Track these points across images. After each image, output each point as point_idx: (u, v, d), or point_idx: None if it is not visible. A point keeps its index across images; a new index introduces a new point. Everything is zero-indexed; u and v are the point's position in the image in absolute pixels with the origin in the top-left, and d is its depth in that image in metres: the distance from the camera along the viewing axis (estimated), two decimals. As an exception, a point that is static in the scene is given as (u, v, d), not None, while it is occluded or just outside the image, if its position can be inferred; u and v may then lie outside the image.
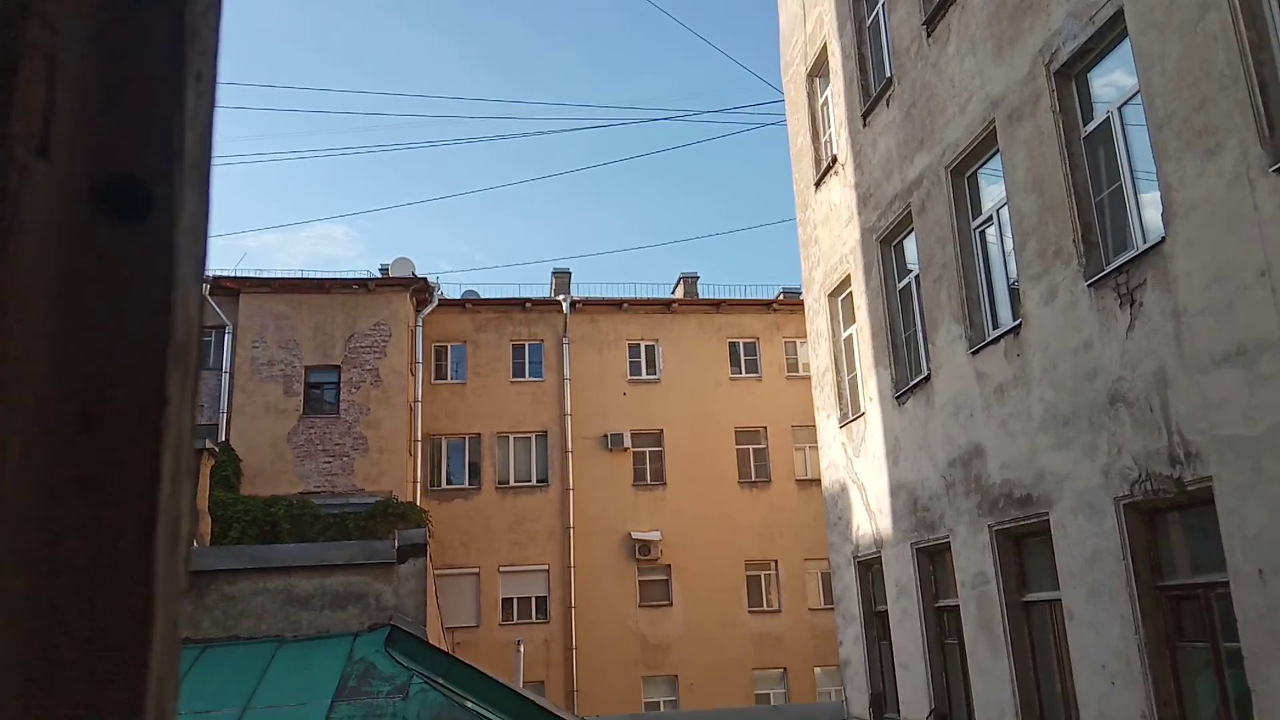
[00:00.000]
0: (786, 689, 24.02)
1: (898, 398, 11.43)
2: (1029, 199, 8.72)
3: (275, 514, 19.46)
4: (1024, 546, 9.22)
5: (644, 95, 72.38)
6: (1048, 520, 8.46)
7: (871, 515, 12.22)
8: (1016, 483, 8.96)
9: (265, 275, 23.45)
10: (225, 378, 22.28)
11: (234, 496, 20.04)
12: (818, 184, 14.23)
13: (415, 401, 24.03)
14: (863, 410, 12.57)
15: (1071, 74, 8.31)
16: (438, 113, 65.90)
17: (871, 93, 12.23)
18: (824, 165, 14.01)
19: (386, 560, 10.41)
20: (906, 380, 11.35)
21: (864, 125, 12.35)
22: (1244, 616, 6.34)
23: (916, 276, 11.17)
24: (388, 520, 20.08)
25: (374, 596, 10.20)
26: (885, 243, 11.95)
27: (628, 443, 25.16)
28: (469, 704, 8.73)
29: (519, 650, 21.47)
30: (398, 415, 22.90)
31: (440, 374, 25.58)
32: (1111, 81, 8.05)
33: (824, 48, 13.96)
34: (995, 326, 9.61)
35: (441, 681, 9.17)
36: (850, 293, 13.14)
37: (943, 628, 10.72)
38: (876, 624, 12.44)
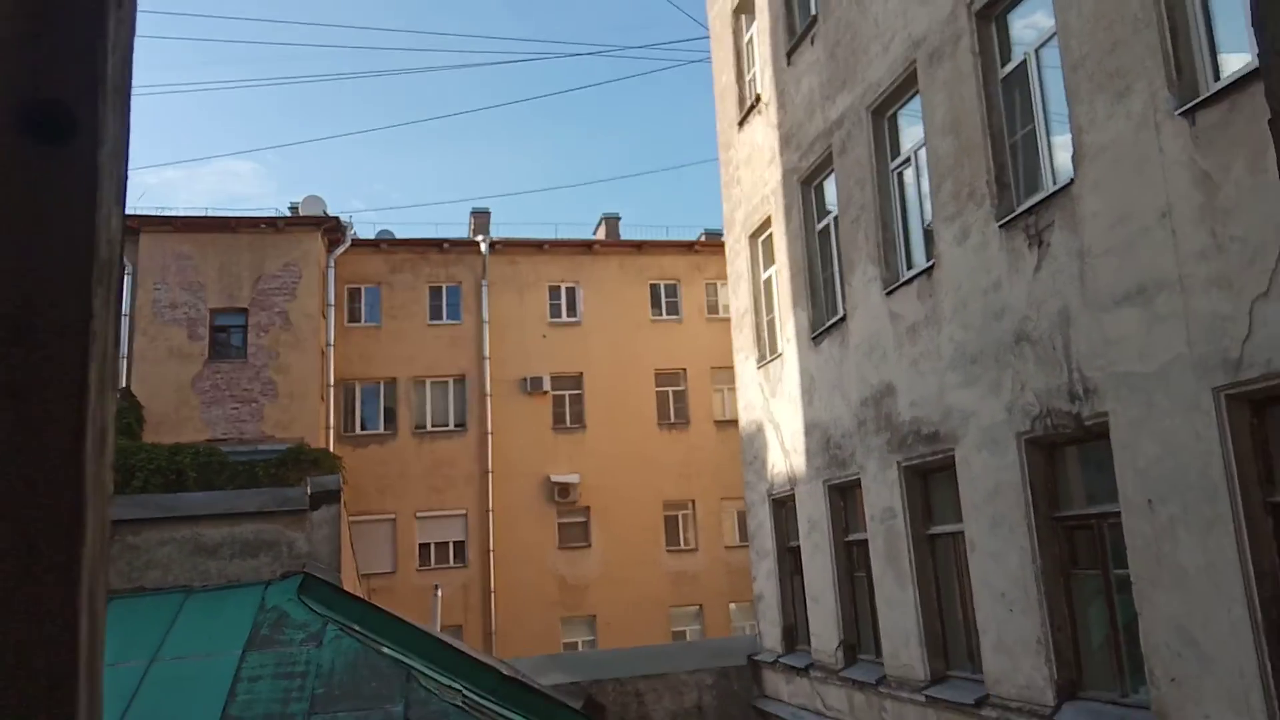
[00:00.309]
0: (702, 625, 24.57)
1: (814, 338, 11.58)
2: (946, 140, 8.82)
3: (181, 462, 18.85)
4: (930, 481, 9.49)
5: (567, 30, 71.12)
6: (953, 456, 8.71)
7: (786, 454, 12.44)
8: (925, 420, 9.18)
9: (167, 214, 22.42)
10: (125, 321, 21.38)
11: (136, 445, 19.34)
12: (741, 123, 14.19)
13: (328, 345, 23.46)
14: (780, 351, 12.71)
15: (992, 15, 8.37)
16: (353, 44, 63.67)
17: (796, 31, 12.18)
18: (748, 104, 13.97)
19: (299, 508, 10.21)
20: (823, 321, 11.49)
21: (788, 64, 12.31)
22: (1133, 545, 6.64)
23: (835, 218, 11.26)
24: (300, 467, 19.67)
25: (286, 544, 10.01)
26: (806, 184, 12.00)
27: (547, 386, 25.08)
28: (385, 649, 8.68)
29: (436, 595, 21.44)
30: (309, 359, 22.33)
31: (354, 317, 25.00)
32: (1031, 23, 8.14)
33: (749, -16, 13.84)
34: (910, 267, 9.76)
35: (357, 628, 9.08)
36: (771, 234, 13.21)
37: (852, 561, 11.02)
38: (789, 559, 12.74)
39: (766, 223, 13.26)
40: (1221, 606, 5.88)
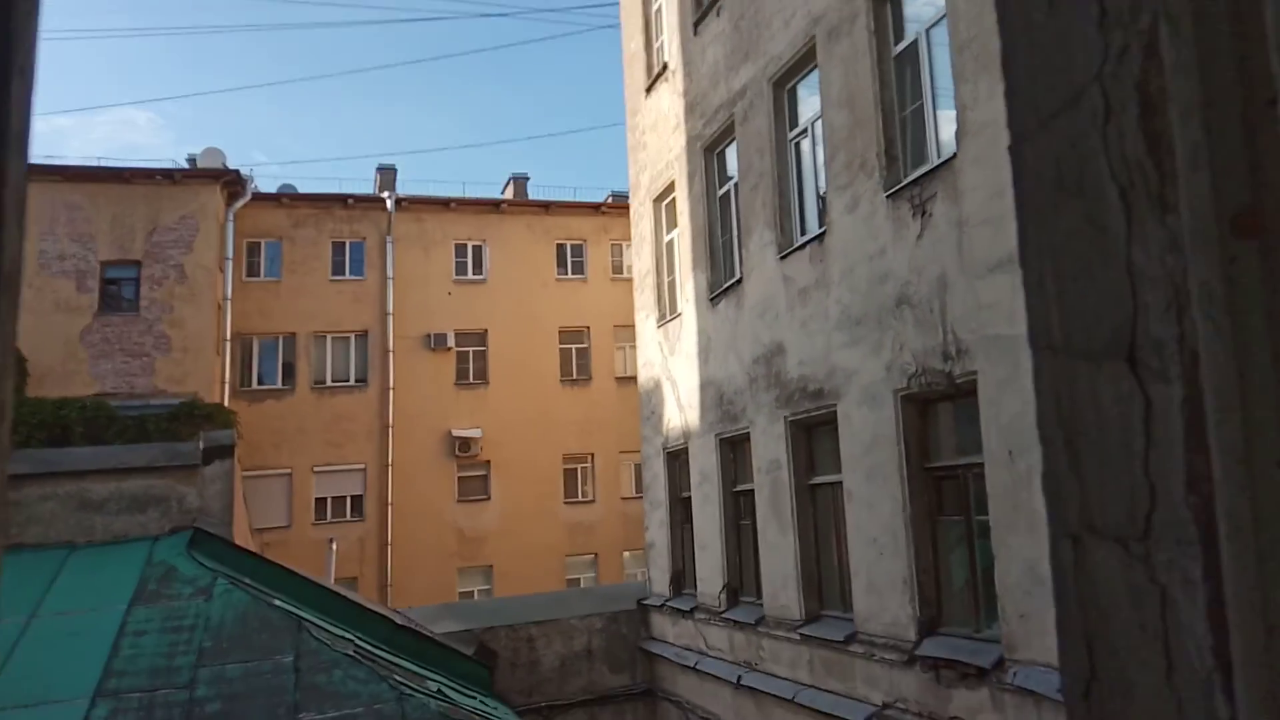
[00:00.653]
0: (596, 573, 25.18)
1: (712, 299, 12.03)
2: (841, 113, 9.28)
3: (66, 416, 18.28)
4: (814, 435, 10.05)
5: (480, -7, 69.68)
6: (835, 411, 9.26)
7: (682, 409, 12.91)
8: (811, 377, 9.72)
9: (57, 163, 21.50)
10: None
11: (19, 399, 18.69)
12: (648, 90, 14.48)
13: (225, 300, 22.97)
14: (679, 311, 13.14)
15: (888, -5, 8.81)
16: (255, -9, 61.22)
17: (703, 2, 12.51)
18: (655, 72, 14.26)
19: (190, 463, 10.10)
20: (721, 283, 11.95)
21: (695, 34, 12.64)
22: (994, 493, 7.14)
23: (736, 184, 11.69)
24: (193, 422, 19.25)
25: (176, 500, 9.90)
26: (709, 151, 12.40)
27: (451, 342, 25.11)
28: (277, 602, 8.74)
29: (331, 548, 21.39)
30: (204, 314, 21.86)
31: (253, 271, 24.52)
32: (925, 2, 8.58)
33: (660, -47, 14.08)
34: (803, 234, 10.25)
35: (248, 581, 9.10)
36: (674, 198, 13.58)
37: (739, 510, 11.58)
38: (680, 509, 13.26)
39: (670, 187, 13.63)
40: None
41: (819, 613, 9.75)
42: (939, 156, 8.03)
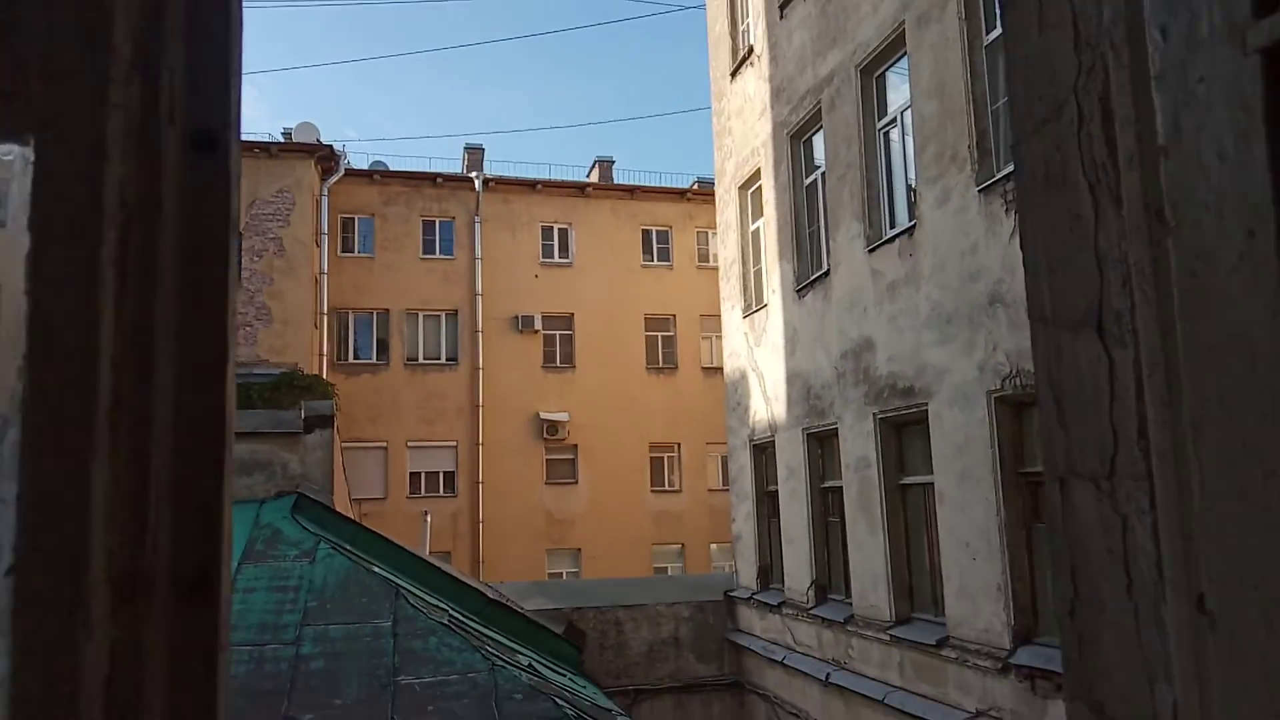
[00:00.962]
0: (683, 563, 25.20)
1: (798, 291, 11.84)
2: (931, 103, 8.98)
3: (177, 382, 19.11)
4: (904, 434, 9.85)
5: (566, -36, 69.57)
6: (926, 410, 9.05)
7: (768, 401, 12.79)
8: (901, 375, 9.51)
9: (160, 135, 22.33)
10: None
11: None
12: (734, 74, 14.24)
13: (321, 274, 23.58)
14: (765, 302, 12.98)
15: (979, -19, 8.47)
16: (347, -31, 62.08)
17: (789, -15, 12.20)
18: (740, 55, 14.00)
19: (293, 430, 10.49)
20: (808, 274, 11.74)
21: (781, 17, 12.35)
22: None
23: (823, 173, 11.44)
24: (293, 392, 19.87)
25: (280, 465, 10.30)
26: (795, 138, 12.14)
27: (538, 325, 25.33)
28: (375, 569, 9.04)
29: (426, 521, 21.93)
30: (303, 287, 22.46)
31: (347, 247, 25.07)
32: (1017, -9, 8.23)
33: (746, -67, 13.77)
34: (892, 226, 9.99)
35: (348, 547, 9.43)
36: (760, 186, 13.37)
37: (827, 507, 11.45)
38: (767, 503, 13.18)
39: (756, 175, 13.42)
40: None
41: (910, 615, 9.61)
42: (1035, 151, 7.69)
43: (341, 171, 24.02)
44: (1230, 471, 0.80)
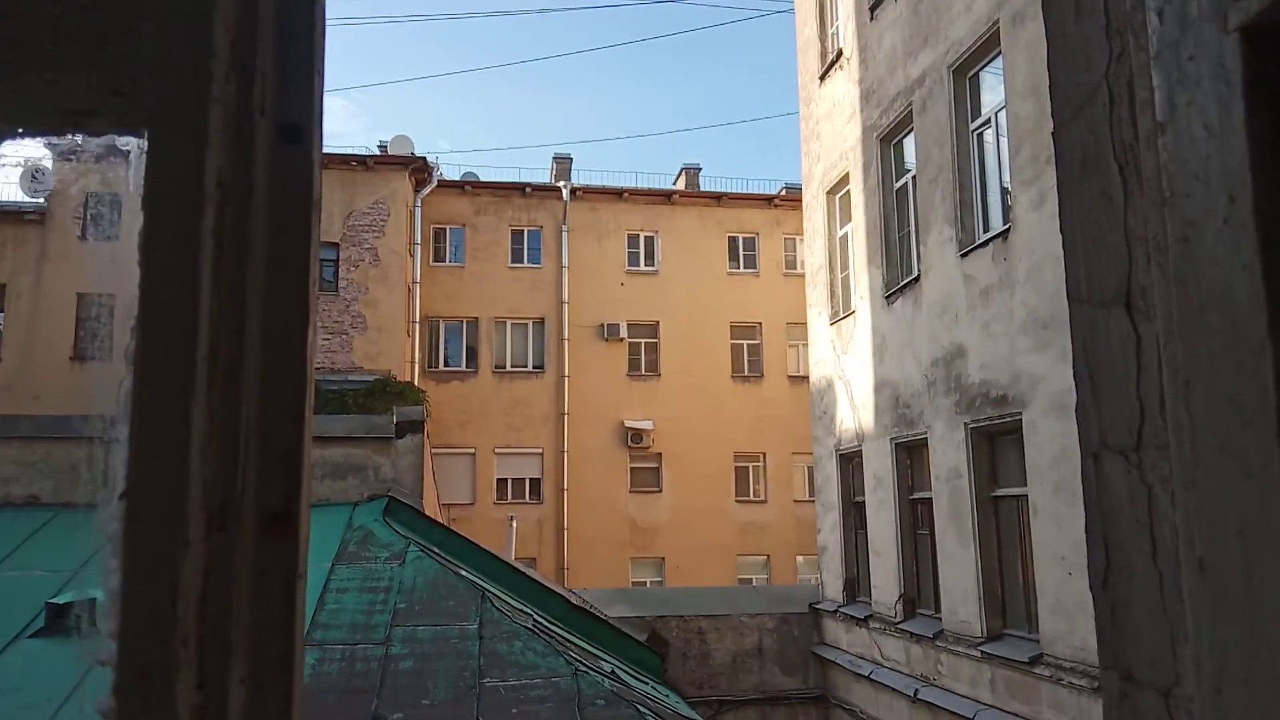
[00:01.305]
0: (769, 574, 24.93)
1: (887, 297, 11.61)
2: (1026, 103, 8.71)
3: (276, 389, 19.77)
4: (996, 444, 9.55)
5: (654, -25, 69.90)
6: (1020, 420, 8.76)
7: (855, 410, 12.56)
8: (994, 383, 9.23)
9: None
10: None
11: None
12: (822, 78, 14.08)
13: (414, 283, 24.14)
14: (853, 309, 12.77)
15: (1078, -24, 8.20)
16: (441, -14, 63.76)
17: (880, -14, 12.02)
18: (829, 59, 13.84)
19: (385, 435, 10.77)
20: (897, 280, 11.51)
21: (871, 19, 12.16)
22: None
23: (913, 176, 11.21)
24: (386, 398, 20.34)
25: (372, 469, 10.59)
26: (885, 141, 11.93)
27: (624, 333, 25.43)
28: (463, 572, 9.19)
29: (512, 526, 22.17)
30: (396, 295, 23.04)
31: (439, 256, 25.61)
32: (1117, -15, 7.95)
33: (836, -64, 13.62)
34: (985, 230, 9.72)
35: (437, 550, 9.62)
36: (848, 191, 13.17)
37: (916, 519, 11.17)
38: (854, 513, 12.94)
39: (844, 179, 13.22)
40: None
41: (1001, 630, 9.30)
42: (1137, 150, 7.40)
43: (434, 183, 24.57)
44: (1215, 424, 0.85)
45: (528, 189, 26.03)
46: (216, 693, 0.73)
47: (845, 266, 13.45)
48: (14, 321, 21.34)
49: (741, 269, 26.52)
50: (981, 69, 9.93)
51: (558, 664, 7.46)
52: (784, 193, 26.77)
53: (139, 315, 0.75)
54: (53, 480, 8.89)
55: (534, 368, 25.46)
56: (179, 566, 0.72)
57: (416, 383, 23.29)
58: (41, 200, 22.12)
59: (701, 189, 28.02)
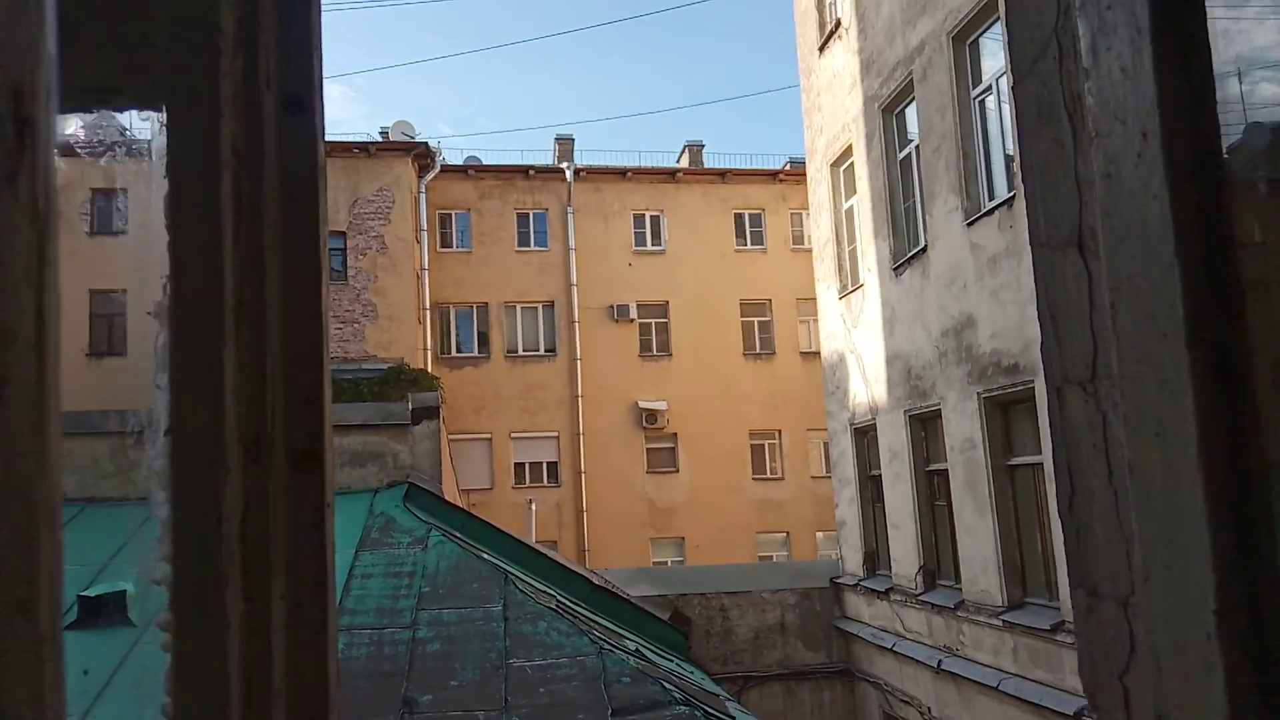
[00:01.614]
0: (789, 552, 24.91)
1: (895, 269, 11.56)
2: (1029, 68, 8.61)
3: (290, 379, 19.83)
4: (1010, 413, 9.52)
5: (650, -51, 69.20)
6: (1033, 388, 8.71)
7: (868, 384, 12.54)
8: (1005, 352, 9.19)
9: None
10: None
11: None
12: (822, 49, 13.95)
13: (422, 269, 24.10)
14: (861, 282, 12.71)
15: (1077, -63, 8.09)
16: (436, -30, 63.24)
17: (876, -47, 11.87)
18: (828, 29, 13.70)
19: (401, 422, 10.84)
20: (904, 251, 11.45)
21: (868, -13, 12.03)
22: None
23: (916, 146, 11.12)
24: (400, 386, 20.36)
25: (391, 456, 10.66)
26: (887, 111, 11.83)
27: (634, 314, 25.38)
28: (484, 555, 9.26)
29: (531, 510, 22.27)
30: (405, 283, 22.99)
31: (445, 242, 25.55)
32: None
33: (830, -97, 13.45)
34: (991, 198, 9.64)
35: (459, 535, 9.69)
36: (852, 163, 13.08)
37: (932, 490, 11.17)
38: (870, 487, 12.94)
39: (848, 151, 13.13)
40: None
41: (1022, 599, 9.31)
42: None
43: (437, 168, 24.45)
44: (1137, 340, 0.95)
45: (531, 171, 25.93)
46: (261, 605, 0.82)
47: (852, 239, 13.39)
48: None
49: (749, 245, 26.38)
50: (981, 35, 9.81)
51: (582, 643, 7.51)
52: (789, 167, 26.53)
53: (170, 273, 0.82)
54: (76, 476, 8.97)
55: (546, 351, 25.47)
56: (221, 492, 0.80)
57: (430, 369, 23.32)
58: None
59: (706, 166, 27.84)
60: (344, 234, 22.62)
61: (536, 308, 25.60)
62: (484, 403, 24.74)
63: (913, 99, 11.04)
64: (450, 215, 25.56)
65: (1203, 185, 0.91)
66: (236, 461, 0.81)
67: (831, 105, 13.59)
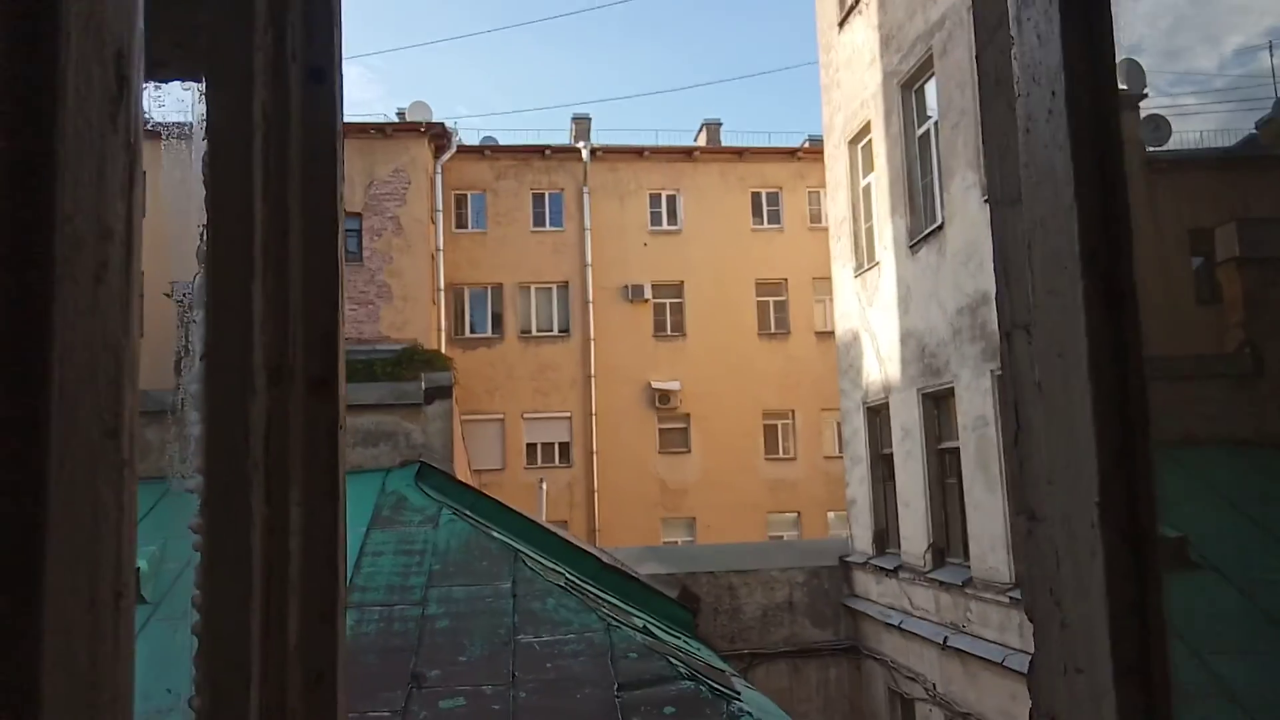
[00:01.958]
0: (800, 531, 24.86)
1: (911, 247, 11.48)
2: (1050, 41, 8.52)
3: (306, 359, 19.90)
4: (1025, 391, 9.46)
5: (670, -70, 68.82)
6: (1049, 365, 8.66)
7: (881, 362, 12.48)
8: (1021, 329, 9.12)
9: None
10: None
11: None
12: (841, 24, 13.83)
13: (437, 250, 24.08)
14: (877, 260, 12.64)
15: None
16: (455, -50, 63.03)
17: (898, -73, 11.74)
18: (848, 4, 13.58)
19: (414, 402, 10.89)
20: (921, 229, 11.37)
21: (889, -38, 11.91)
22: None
23: (935, 123, 11.02)
24: (414, 367, 20.32)
25: (403, 435, 10.72)
26: (906, 87, 11.73)
27: (648, 294, 25.31)
28: (495, 534, 9.30)
29: (542, 490, 22.32)
30: (420, 264, 22.99)
31: (461, 223, 25.53)
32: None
33: (852, -122, 13.29)
34: (1011, 174, 9.55)
35: (469, 513, 9.74)
36: (870, 140, 12.99)
37: (944, 468, 11.12)
38: (882, 465, 12.90)
39: (866, 128, 13.03)
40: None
41: (1030, 577, 9.26)
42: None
43: (454, 149, 24.37)
44: (1046, 273, 1.07)
45: (547, 151, 25.84)
46: (280, 510, 0.92)
47: (869, 217, 13.30)
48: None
49: (765, 224, 26.21)
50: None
51: (590, 620, 7.54)
52: (807, 145, 26.30)
53: (208, 221, 0.92)
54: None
55: (559, 331, 25.45)
56: (248, 409, 0.91)
57: (443, 350, 23.30)
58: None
59: (723, 144, 27.64)
60: (360, 215, 22.57)
61: (551, 288, 25.57)
62: (497, 383, 24.77)
63: (932, 74, 10.94)
64: (466, 196, 25.52)
65: (1100, 136, 1.04)
66: (262, 385, 0.92)
67: (850, 82, 13.48)
